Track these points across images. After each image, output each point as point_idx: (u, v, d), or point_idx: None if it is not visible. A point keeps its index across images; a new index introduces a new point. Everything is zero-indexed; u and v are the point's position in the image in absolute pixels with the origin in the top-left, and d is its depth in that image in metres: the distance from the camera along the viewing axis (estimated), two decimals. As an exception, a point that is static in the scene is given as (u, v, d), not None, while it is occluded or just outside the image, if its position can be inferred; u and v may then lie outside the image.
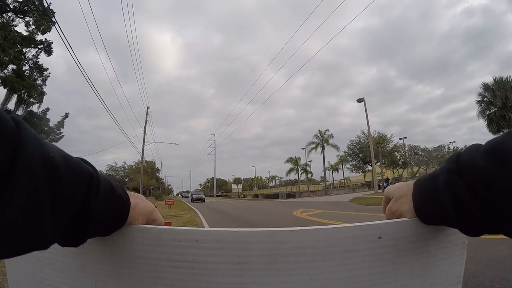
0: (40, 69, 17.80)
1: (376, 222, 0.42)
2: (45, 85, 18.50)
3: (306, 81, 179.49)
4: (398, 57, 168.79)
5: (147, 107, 34.33)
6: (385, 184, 34.86)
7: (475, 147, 0.33)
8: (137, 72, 69.07)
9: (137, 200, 0.44)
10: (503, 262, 3.61)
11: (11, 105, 16.02)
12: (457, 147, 54.51)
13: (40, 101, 18.25)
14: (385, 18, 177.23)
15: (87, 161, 0.35)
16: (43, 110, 18.17)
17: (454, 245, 0.44)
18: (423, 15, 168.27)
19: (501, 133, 0.31)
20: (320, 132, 46.21)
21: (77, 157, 0.34)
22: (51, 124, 18.71)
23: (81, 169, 0.32)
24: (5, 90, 15.33)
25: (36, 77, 17.68)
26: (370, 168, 44.84)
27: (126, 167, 69.45)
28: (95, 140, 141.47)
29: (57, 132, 18.95)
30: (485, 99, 21.64)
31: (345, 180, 62.08)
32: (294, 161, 54.02)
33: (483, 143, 0.33)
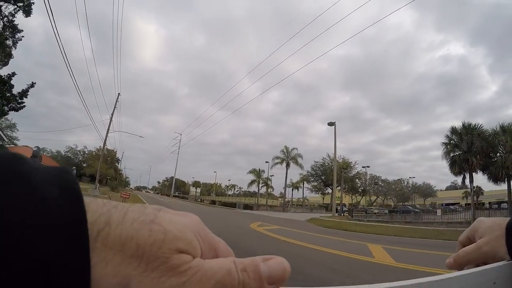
0: (13, 28, 16.63)
1: (489, 266, 0.39)
2: (15, 48, 17.33)
3: (280, 97, 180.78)
4: (372, 88, 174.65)
5: (118, 93, 33.11)
6: (344, 209, 35.88)
7: None
8: (114, 56, 66.12)
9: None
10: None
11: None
12: (416, 182, 57.76)
13: (5, 64, 17.00)
14: (366, 50, 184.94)
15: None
16: (8, 74, 16.89)
17: None
18: (403, 54, 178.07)
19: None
20: (286, 148, 46.79)
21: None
22: (14, 91, 17.44)
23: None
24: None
25: (7, 36, 16.49)
26: (330, 191, 45.79)
27: (86, 152, 65.84)
28: (60, 118, 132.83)
29: (19, 101, 17.65)
30: (451, 141, 22.88)
31: (304, 199, 63.17)
32: (257, 173, 53.98)
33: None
